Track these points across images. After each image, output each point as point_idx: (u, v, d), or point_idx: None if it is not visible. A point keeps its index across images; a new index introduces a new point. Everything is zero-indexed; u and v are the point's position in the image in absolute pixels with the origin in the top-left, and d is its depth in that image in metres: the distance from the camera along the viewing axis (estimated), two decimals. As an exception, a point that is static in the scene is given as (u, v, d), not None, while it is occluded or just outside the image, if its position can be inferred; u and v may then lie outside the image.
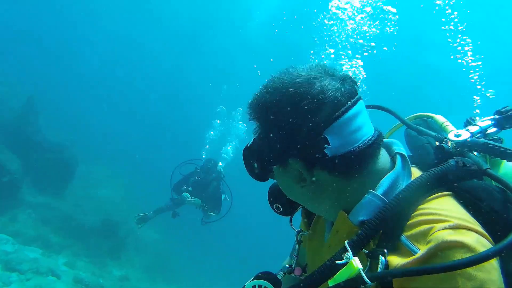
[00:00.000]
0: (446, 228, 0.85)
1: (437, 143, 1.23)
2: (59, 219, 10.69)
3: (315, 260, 1.24)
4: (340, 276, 0.89)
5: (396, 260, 0.88)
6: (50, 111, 13.16)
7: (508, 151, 1.12)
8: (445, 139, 1.24)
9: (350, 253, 0.89)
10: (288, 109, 0.99)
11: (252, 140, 1.14)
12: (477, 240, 0.84)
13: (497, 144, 1.14)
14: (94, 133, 16.95)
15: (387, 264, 0.89)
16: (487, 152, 1.16)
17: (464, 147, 1.18)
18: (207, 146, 15.56)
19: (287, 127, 1.00)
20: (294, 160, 1.03)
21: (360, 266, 0.86)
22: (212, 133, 15.80)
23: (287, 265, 1.30)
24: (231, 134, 16.08)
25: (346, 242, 0.93)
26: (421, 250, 0.85)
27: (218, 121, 16.58)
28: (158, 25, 23.75)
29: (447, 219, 0.88)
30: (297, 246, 1.31)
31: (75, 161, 12.74)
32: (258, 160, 1.12)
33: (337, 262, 0.90)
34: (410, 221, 0.93)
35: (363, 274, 0.84)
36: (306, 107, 0.97)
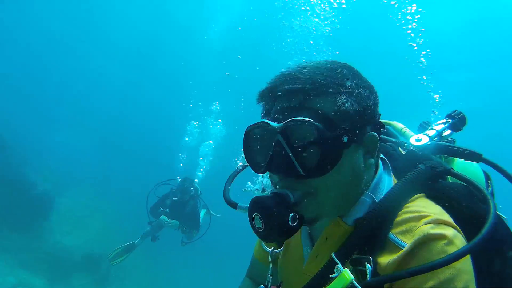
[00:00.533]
0: (429, 223, 0.96)
1: (411, 148, 1.33)
2: (39, 260, 10.32)
3: (291, 276, 1.26)
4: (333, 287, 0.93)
5: (385, 259, 0.97)
6: (18, 146, 12.72)
7: (467, 151, 1.25)
8: (406, 144, 1.35)
9: (339, 265, 0.95)
10: (366, 84, 1.09)
11: (312, 122, 0.98)
12: (454, 233, 0.95)
13: (455, 145, 1.28)
14: (65, 163, 16.32)
15: (374, 269, 0.96)
16: (449, 153, 1.29)
17: (426, 150, 1.30)
18: (185, 156, 15.51)
19: (370, 100, 1.07)
20: (370, 134, 1.07)
21: (352, 276, 0.91)
22: (187, 139, 15.81)
23: (262, 286, 1.26)
24: (209, 135, 16.04)
25: (333, 254, 0.99)
26: (408, 243, 0.94)
27: (196, 123, 16.62)
28: (115, 46, 22.20)
29: (429, 215, 0.98)
30: (271, 265, 1.29)
31: (51, 195, 12.34)
32: (334, 136, 0.99)
33: (330, 276, 0.96)
34: (397, 219, 1.02)
35: (356, 284, 0.90)
36: (371, 86, 1.11)
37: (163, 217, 7.63)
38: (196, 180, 8.45)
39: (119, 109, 24.08)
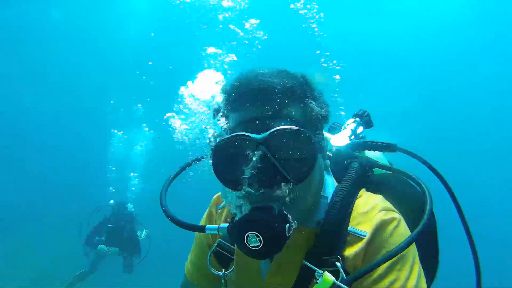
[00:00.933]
0: (381, 210, 1.13)
1: (333, 149, 1.40)
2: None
3: None
4: None
5: (350, 251, 1.09)
6: None
7: (384, 144, 1.36)
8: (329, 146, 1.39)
9: (318, 270, 1.03)
10: (317, 90, 1.16)
11: (286, 122, 1.03)
12: (399, 216, 1.14)
13: (373, 140, 1.39)
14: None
15: (343, 265, 1.06)
16: (368, 148, 1.39)
17: (348, 149, 1.38)
18: (113, 168, 14.70)
19: (321, 99, 1.15)
20: (325, 138, 1.17)
21: (333, 278, 1.00)
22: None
23: None
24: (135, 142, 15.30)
25: (304, 262, 1.09)
26: (368, 232, 1.09)
27: (120, 132, 15.70)
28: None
29: (379, 204, 1.15)
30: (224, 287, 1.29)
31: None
32: (313, 135, 1.05)
33: (317, 282, 1.02)
34: (353, 214, 1.14)
35: (340, 284, 0.99)
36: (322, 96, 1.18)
37: (101, 246, 7.24)
38: (128, 204, 8.05)
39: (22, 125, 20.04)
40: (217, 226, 1.12)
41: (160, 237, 8.39)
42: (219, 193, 1.42)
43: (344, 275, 1.03)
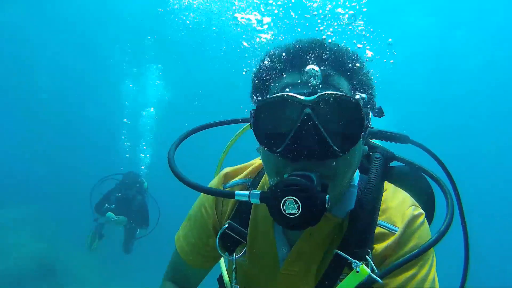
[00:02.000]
0: (410, 206, 1.15)
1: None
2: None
3: (263, 278, 1.27)
4: (349, 283, 1.02)
5: (380, 245, 1.10)
6: None
7: (398, 134, 1.31)
8: None
9: (355, 261, 1.04)
10: (361, 66, 1.08)
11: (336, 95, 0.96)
12: (422, 211, 1.17)
13: (388, 131, 1.33)
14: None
15: (372, 258, 1.06)
16: (382, 138, 1.33)
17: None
18: (128, 143, 14.54)
19: (370, 82, 1.11)
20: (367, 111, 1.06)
21: (369, 270, 1.02)
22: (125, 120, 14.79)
23: None
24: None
25: (335, 251, 1.09)
26: (399, 226, 1.10)
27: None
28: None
29: (407, 201, 1.17)
30: (234, 274, 1.30)
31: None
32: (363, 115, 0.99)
33: (356, 270, 1.03)
34: (382, 207, 1.15)
35: (375, 277, 1.01)
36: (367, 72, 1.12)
37: (109, 213, 7.17)
38: (141, 177, 7.90)
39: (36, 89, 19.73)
40: (247, 192, 1.04)
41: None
42: (228, 170, 1.39)
43: (375, 268, 1.04)
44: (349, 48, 1.08)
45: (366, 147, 1.14)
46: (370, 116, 1.11)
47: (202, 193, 1.39)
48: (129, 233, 7.64)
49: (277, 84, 1.06)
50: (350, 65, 1.04)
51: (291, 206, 0.91)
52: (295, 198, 0.89)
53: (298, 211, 0.90)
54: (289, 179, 0.92)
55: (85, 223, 8.16)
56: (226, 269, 1.55)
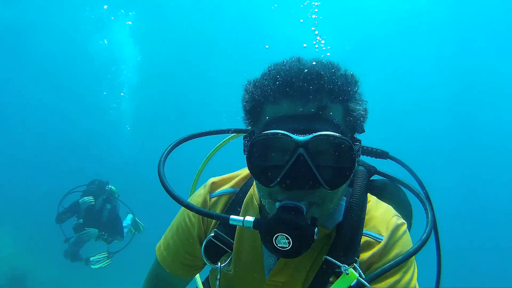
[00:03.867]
0: (393, 216, 1.23)
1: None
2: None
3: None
4: (338, 287, 1.06)
5: (367, 253, 1.16)
6: None
7: (379, 150, 1.41)
8: None
9: (343, 266, 1.08)
10: (358, 88, 1.08)
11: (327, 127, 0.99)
12: (404, 220, 1.25)
13: (370, 147, 1.41)
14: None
15: (359, 265, 1.11)
16: (364, 153, 1.41)
17: None
18: None
19: (361, 104, 1.08)
20: (359, 141, 1.11)
21: (356, 274, 1.06)
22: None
23: None
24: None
25: (325, 257, 1.12)
26: (385, 235, 1.17)
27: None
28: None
29: (390, 211, 1.25)
30: (218, 283, 1.29)
31: None
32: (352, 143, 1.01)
33: (345, 273, 1.07)
34: (367, 217, 1.21)
35: (363, 281, 1.06)
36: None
37: (84, 199, 6.68)
38: (109, 185, 7.29)
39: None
40: (242, 219, 1.10)
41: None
42: (214, 179, 1.39)
43: (363, 274, 1.09)
44: (346, 71, 1.08)
45: (359, 167, 1.27)
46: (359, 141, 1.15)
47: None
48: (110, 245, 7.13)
49: (271, 111, 1.05)
50: (347, 91, 1.03)
51: (282, 241, 0.98)
52: (286, 235, 0.97)
53: (288, 246, 0.97)
54: (281, 216, 0.99)
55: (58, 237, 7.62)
56: (208, 279, 1.54)
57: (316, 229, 0.99)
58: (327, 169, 1.00)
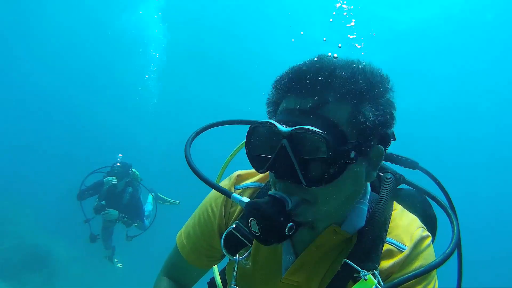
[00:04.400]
0: (419, 227, 1.20)
1: None
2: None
3: (262, 284, 1.28)
4: None
5: (388, 261, 1.14)
6: None
7: (409, 160, 1.40)
8: None
9: (363, 271, 1.07)
10: (383, 90, 1.05)
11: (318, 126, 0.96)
12: (428, 233, 1.22)
13: (399, 155, 1.40)
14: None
15: (379, 273, 1.08)
16: (391, 161, 1.39)
17: None
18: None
19: (382, 108, 1.05)
20: (376, 147, 1.07)
21: (375, 280, 1.04)
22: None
23: None
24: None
25: (344, 260, 1.11)
26: (408, 245, 1.14)
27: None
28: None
29: (416, 222, 1.22)
30: (234, 274, 1.26)
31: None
32: (339, 147, 0.97)
33: (364, 278, 1.05)
34: (391, 225, 1.18)
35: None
36: (390, 96, 1.08)
37: (108, 178, 6.77)
38: (133, 169, 7.32)
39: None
40: (240, 197, 1.17)
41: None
42: (240, 172, 1.41)
43: (381, 282, 1.06)
44: (373, 72, 1.06)
45: (374, 174, 1.14)
46: (378, 147, 1.10)
47: (211, 192, 1.42)
48: (130, 228, 7.17)
49: (282, 105, 1.09)
50: (362, 92, 1.01)
51: (254, 226, 1.01)
52: (256, 221, 1.00)
53: (259, 232, 1.00)
54: (255, 202, 1.04)
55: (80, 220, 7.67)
56: (225, 270, 1.53)
57: (289, 225, 0.99)
58: (307, 164, 0.99)
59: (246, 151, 1.11)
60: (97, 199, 6.91)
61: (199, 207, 1.45)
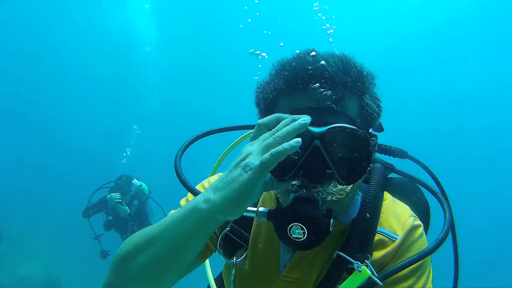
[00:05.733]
0: (410, 216, 1.20)
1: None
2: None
3: (262, 284, 1.25)
4: (350, 284, 1.04)
5: (380, 251, 1.13)
6: None
7: (397, 149, 1.41)
8: None
9: (356, 262, 1.04)
10: (373, 80, 1.08)
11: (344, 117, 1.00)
12: (420, 222, 1.21)
13: (387, 145, 1.41)
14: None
15: (371, 264, 1.06)
16: (381, 151, 1.41)
17: None
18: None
19: (376, 97, 1.10)
20: (374, 135, 1.12)
21: (369, 271, 1.03)
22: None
23: None
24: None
25: (339, 253, 1.08)
26: (400, 235, 1.14)
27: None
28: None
29: (407, 211, 1.22)
30: (232, 278, 1.26)
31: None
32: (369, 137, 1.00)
33: (358, 270, 1.03)
34: (382, 215, 1.18)
35: (376, 279, 1.03)
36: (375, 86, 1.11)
37: (111, 195, 6.64)
38: (135, 180, 7.20)
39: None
40: (255, 209, 1.05)
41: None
42: None
43: (375, 272, 1.05)
44: (362, 64, 1.08)
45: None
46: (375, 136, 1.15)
47: (202, 184, 1.39)
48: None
49: (285, 104, 1.05)
50: (363, 84, 1.04)
51: (297, 232, 0.94)
52: (301, 225, 0.93)
53: (303, 236, 0.94)
54: (297, 206, 0.96)
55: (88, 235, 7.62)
56: (222, 274, 1.50)
57: (331, 221, 0.96)
58: (342, 162, 0.98)
59: None
60: (104, 215, 6.90)
61: (184, 199, 1.40)
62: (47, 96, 19.48)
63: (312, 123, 0.95)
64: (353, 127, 0.95)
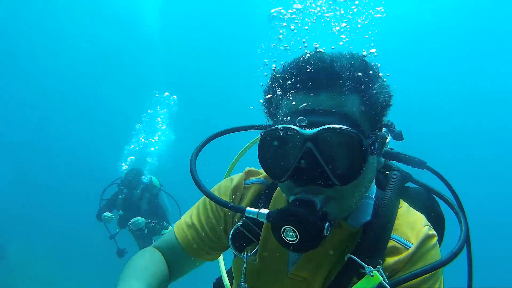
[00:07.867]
0: (425, 225, 1.16)
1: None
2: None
3: (269, 281, 1.26)
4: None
5: (392, 258, 1.12)
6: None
7: (416, 159, 1.37)
8: None
9: (368, 267, 1.03)
10: (375, 74, 1.05)
11: (342, 117, 0.97)
12: (435, 232, 1.18)
13: (406, 154, 1.38)
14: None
15: (383, 270, 1.05)
16: (399, 160, 1.37)
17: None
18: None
19: (386, 94, 1.07)
20: (381, 133, 1.09)
21: (380, 277, 1.01)
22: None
23: None
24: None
25: (351, 256, 1.07)
26: (414, 243, 1.12)
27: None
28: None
29: (423, 220, 1.19)
30: (243, 272, 1.26)
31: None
32: (363, 136, 0.97)
33: (370, 275, 1.02)
34: (397, 222, 1.16)
35: (386, 285, 1.01)
36: (381, 80, 1.07)
37: (104, 214, 6.52)
38: (144, 176, 7.09)
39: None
40: (256, 211, 1.09)
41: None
42: (251, 168, 1.41)
43: (386, 279, 1.04)
44: (365, 59, 1.07)
45: (382, 160, 1.17)
46: (388, 137, 1.14)
47: (219, 185, 1.42)
48: (148, 236, 6.79)
49: (285, 105, 1.06)
50: (364, 79, 1.02)
51: (290, 234, 0.96)
52: (293, 228, 0.95)
53: (296, 239, 0.96)
54: (291, 208, 0.98)
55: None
56: (232, 269, 1.50)
57: (326, 225, 0.96)
58: (336, 163, 0.98)
59: (260, 161, 1.08)
60: (116, 211, 6.80)
61: (201, 199, 1.42)
62: (46, 104, 19.68)
63: (308, 125, 0.96)
64: (344, 127, 0.94)
